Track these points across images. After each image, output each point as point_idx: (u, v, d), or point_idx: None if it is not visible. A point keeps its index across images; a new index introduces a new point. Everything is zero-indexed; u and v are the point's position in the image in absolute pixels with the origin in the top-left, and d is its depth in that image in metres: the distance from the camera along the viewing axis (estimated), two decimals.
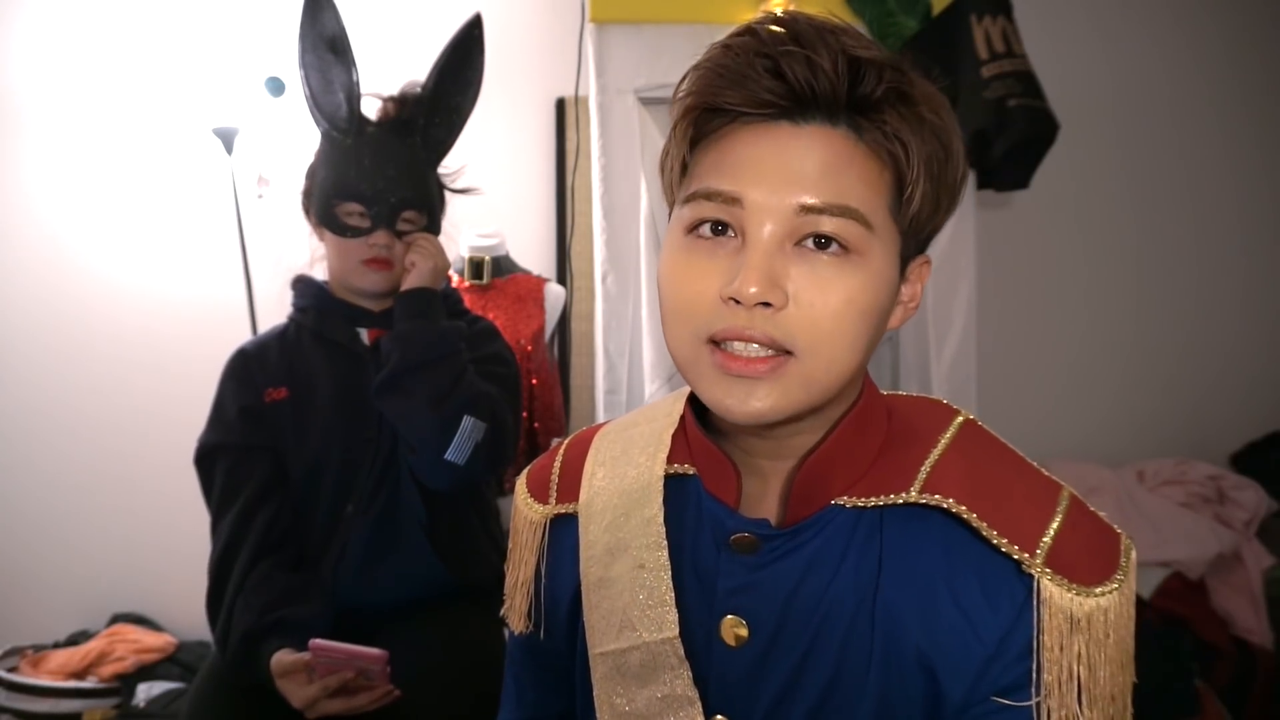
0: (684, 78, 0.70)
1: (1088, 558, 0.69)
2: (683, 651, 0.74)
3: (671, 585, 0.75)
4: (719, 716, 0.75)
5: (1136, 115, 2.89)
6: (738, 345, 0.66)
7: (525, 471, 0.90)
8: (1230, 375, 2.97)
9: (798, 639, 0.73)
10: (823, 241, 0.66)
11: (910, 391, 0.82)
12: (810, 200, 0.65)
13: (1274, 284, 3.01)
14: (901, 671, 0.71)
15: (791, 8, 2.02)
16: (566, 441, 0.90)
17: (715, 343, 0.67)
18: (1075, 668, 0.67)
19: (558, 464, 0.87)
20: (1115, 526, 0.72)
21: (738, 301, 0.65)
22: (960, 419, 0.76)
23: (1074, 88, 2.56)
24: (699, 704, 0.74)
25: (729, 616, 0.75)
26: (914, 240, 0.71)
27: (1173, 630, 2.39)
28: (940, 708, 0.70)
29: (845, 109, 0.66)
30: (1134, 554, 0.71)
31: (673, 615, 0.74)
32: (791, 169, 0.65)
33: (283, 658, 1.35)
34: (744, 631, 0.74)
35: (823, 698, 0.72)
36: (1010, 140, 2.15)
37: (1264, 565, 2.52)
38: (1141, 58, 2.87)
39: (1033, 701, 0.67)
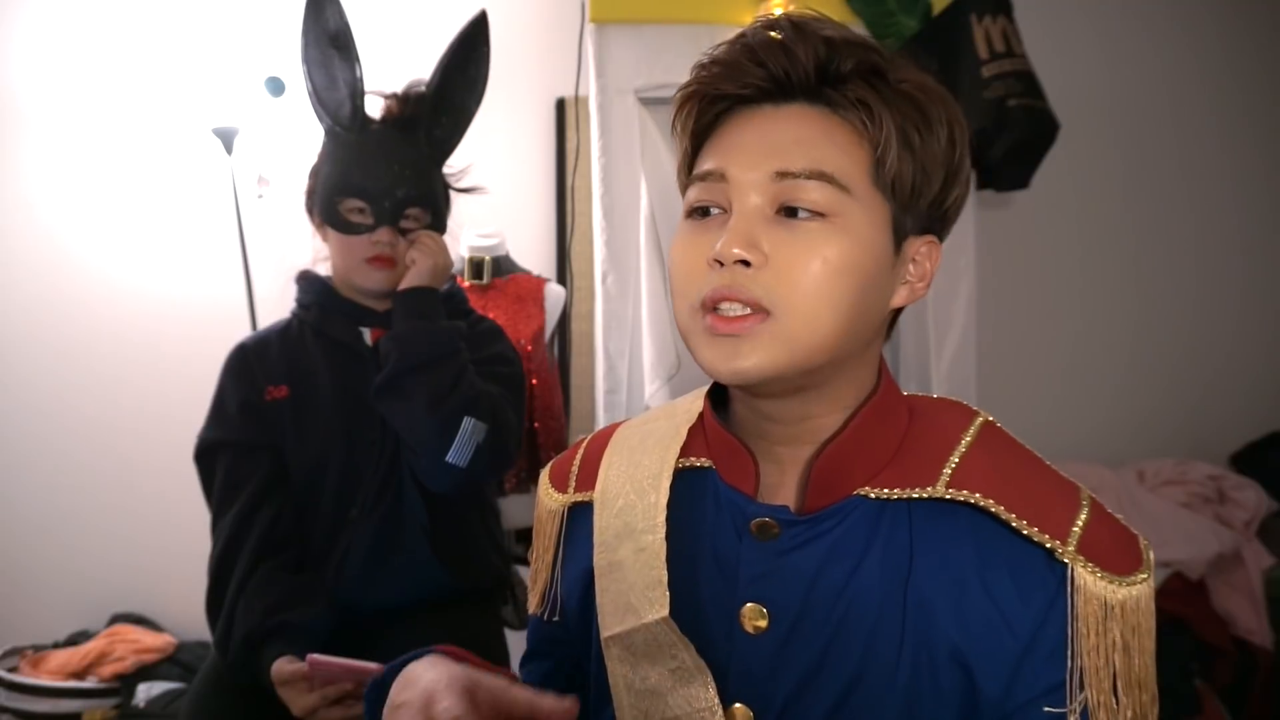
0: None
1: (1115, 550, 0.71)
2: (678, 629, 0.75)
3: (664, 566, 0.76)
4: (739, 704, 0.75)
5: (1136, 115, 2.89)
6: (724, 306, 0.71)
7: (549, 464, 0.93)
8: (1230, 375, 2.98)
9: (820, 628, 0.74)
10: (802, 208, 0.71)
11: (910, 391, 0.83)
12: (783, 167, 0.70)
13: (1274, 284, 3.01)
14: (933, 666, 0.71)
15: (791, 8, 2.02)
16: (590, 436, 0.93)
17: (708, 309, 0.72)
18: (1111, 655, 0.68)
19: (579, 456, 0.90)
20: (1132, 529, 0.74)
21: (721, 264, 0.70)
22: (981, 419, 0.78)
23: (1074, 88, 2.56)
24: (708, 673, 0.74)
25: (749, 604, 0.75)
26: (912, 215, 0.74)
27: (1173, 630, 2.39)
28: (976, 704, 0.71)
29: (820, 86, 0.72)
30: (1152, 555, 0.72)
31: (664, 595, 0.75)
32: (769, 143, 0.72)
33: (282, 666, 1.35)
34: (764, 620, 0.75)
35: (847, 689, 0.72)
36: (1010, 140, 2.15)
37: (1264, 565, 2.53)
38: (1141, 58, 2.87)
39: (1075, 704, 0.68)
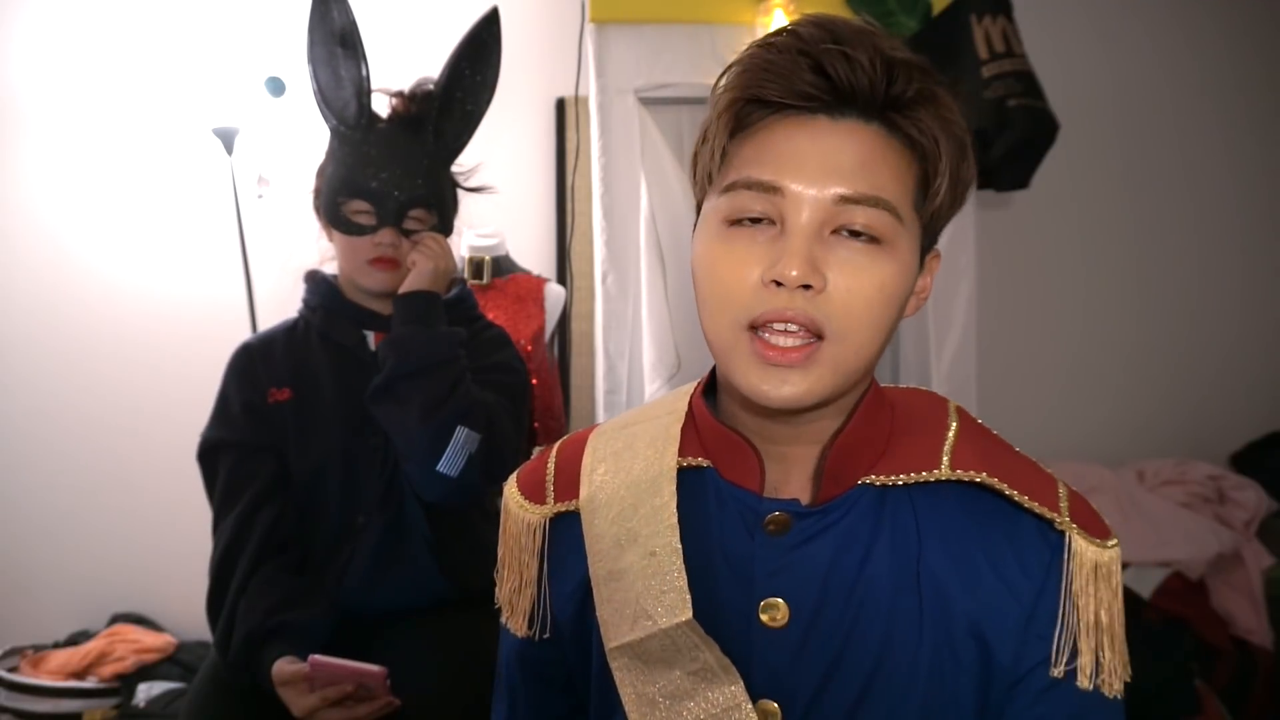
0: (723, 74, 0.74)
1: (1091, 519, 0.76)
2: (702, 630, 0.74)
3: (683, 569, 0.75)
4: (765, 700, 0.75)
5: (1136, 115, 2.89)
6: (777, 327, 0.69)
7: (514, 476, 0.89)
8: (1230, 375, 2.97)
9: (840, 617, 0.75)
10: (856, 231, 0.70)
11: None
12: (847, 191, 0.69)
13: (1274, 284, 3.01)
14: (952, 641, 0.74)
15: (791, 10, 2.02)
16: (558, 444, 0.89)
17: (754, 329, 0.70)
18: (1099, 612, 0.74)
19: (551, 465, 0.87)
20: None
21: (779, 284, 0.68)
22: (953, 405, 0.82)
23: (1074, 88, 2.56)
24: (734, 670, 0.74)
25: (768, 599, 0.76)
26: (930, 234, 0.76)
27: (1173, 630, 2.39)
28: (990, 674, 0.74)
29: (880, 106, 0.70)
30: (1108, 521, 0.79)
31: (686, 598, 0.74)
32: (829, 161, 0.69)
33: (283, 667, 1.34)
34: (784, 614, 0.76)
35: (872, 673, 0.74)
36: (1010, 140, 2.15)
37: (1264, 565, 2.52)
38: (1141, 58, 2.87)
39: (1075, 664, 0.73)
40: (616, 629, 0.77)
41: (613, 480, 0.81)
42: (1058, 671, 0.73)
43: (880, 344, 0.72)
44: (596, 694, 0.83)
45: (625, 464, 0.81)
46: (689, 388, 0.85)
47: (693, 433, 0.81)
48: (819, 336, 0.69)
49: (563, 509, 0.84)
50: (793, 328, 0.69)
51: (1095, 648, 0.73)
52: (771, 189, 0.69)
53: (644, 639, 0.75)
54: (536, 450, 1.57)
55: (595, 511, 0.80)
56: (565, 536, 0.84)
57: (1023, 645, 0.73)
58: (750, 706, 0.74)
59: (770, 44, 0.71)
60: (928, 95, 0.71)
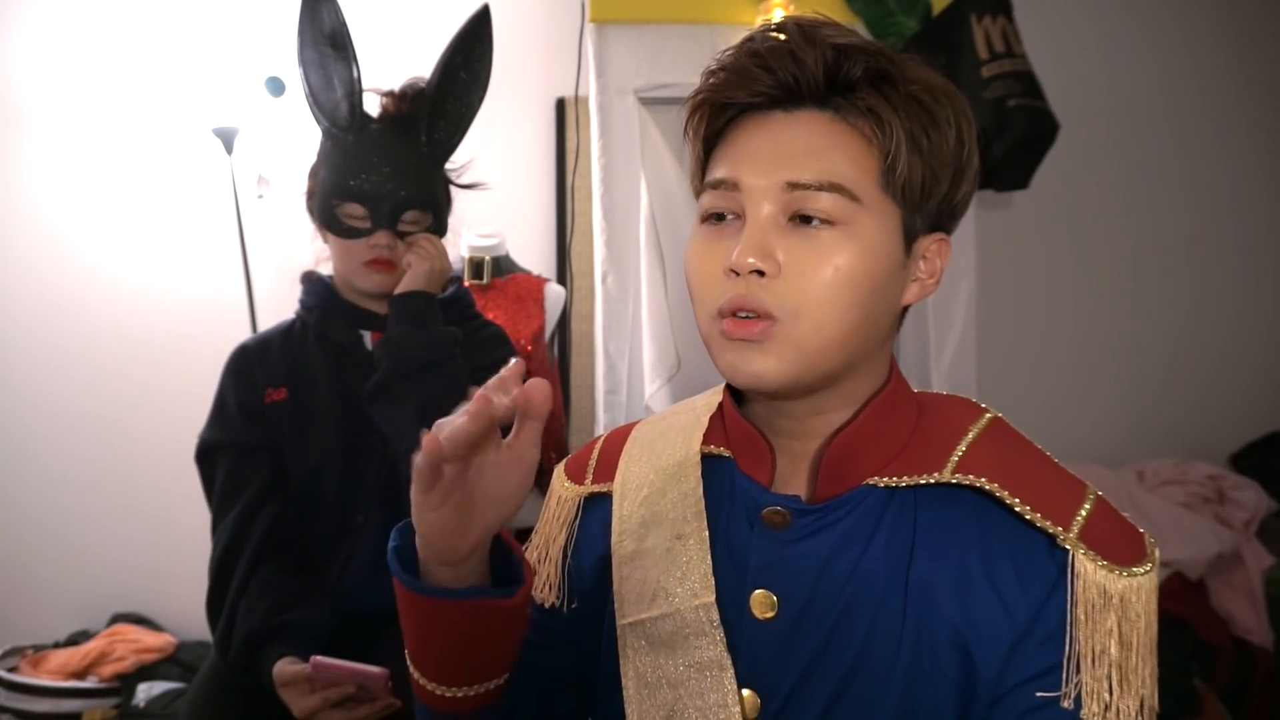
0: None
1: (1118, 542, 0.72)
2: (718, 617, 0.77)
3: (709, 553, 0.78)
4: (747, 690, 0.77)
5: (1135, 116, 2.89)
6: (740, 315, 0.72)
7: (563, 461, 0.95)
8: (1229, 375, 2.98)
9: (826, 614, 0.75)
10: (812, 216, 0.72)
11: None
12: (795, 178, 0.72)
13: (1272, 283, 3.01)
14: (934, 650, 0.72)
15: (792, 9, 2.02)
16: (606, 433, 0.95)
17: (723, 316, 0.73)
18: (1108, 643, 0.69)
19: (596, 450, 0.92)
20: (1139, 527, 0.75)
21: (737, 273, 0.72)
22: (990, 415, 0.80)
23: (1073, 88, 2.57)
24: (730, 669, 0.76)
25: (759, 591, 0.77)
26: (920, 215, 0.75)
27: (1173, 630, 2.39)
28: (974, 687, 0.72)
29: (829, 93, 0.73)
30: (1158, 553, 0.73)
31: (710, 581, 0.77)
32: (781, 151, 0.73)
33: (285, 668, 1.34)
34: (773, 608, 0.76)
35: (850, 673, 0.74)
36: (1010, 140, 2.15)
37: (1264, 565, 2.53)
38: (1140, 58, 2.88)
39: (1064, 690, 0.69)
40: (633, 606, 0.80)
41: (645, 465, 0.86)
42: (1054, 695, 0.69)
43: (847, 325, 0.72)
44: (604, 670, 0.86)
45: (658, 450, 0.86)
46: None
47: (720, 423, 0.85)
48: (774, 319, 0.71)
49: (597, 490, 0.89)
50: (751, 316, 0.72)
51: (1104, 680, 0.68)
52: (732, 186, 0.74)
53: (658, 617, 0.78)
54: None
55: (625, 494, 0.85)
56: (595, 516, 0.89)
57: (1009, 662, 0.70)
58: (738, 708, 0.75)
59: (730, 51, 0.76)
60: (877, 74, 0.72)
